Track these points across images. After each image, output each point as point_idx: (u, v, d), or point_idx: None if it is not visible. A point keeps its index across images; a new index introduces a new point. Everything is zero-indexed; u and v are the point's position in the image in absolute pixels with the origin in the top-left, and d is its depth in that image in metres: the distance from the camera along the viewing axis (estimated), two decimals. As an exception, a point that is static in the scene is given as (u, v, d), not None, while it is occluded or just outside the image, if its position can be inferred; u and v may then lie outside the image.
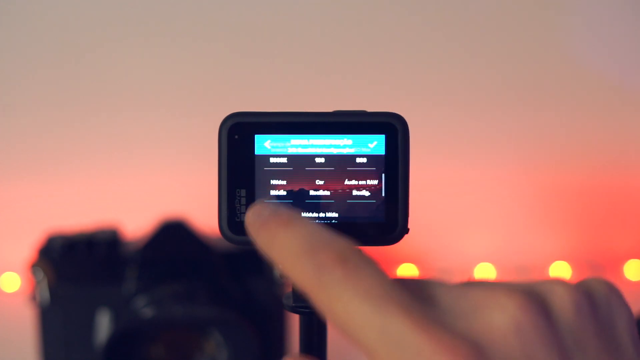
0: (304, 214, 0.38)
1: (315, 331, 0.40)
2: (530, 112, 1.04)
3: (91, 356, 0.72)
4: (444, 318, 0.25)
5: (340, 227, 0.38)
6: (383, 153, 0.38)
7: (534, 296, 0.26)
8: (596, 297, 0.27)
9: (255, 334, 0.67)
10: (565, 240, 1.06)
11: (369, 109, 0.39)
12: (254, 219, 0.29)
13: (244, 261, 0.75)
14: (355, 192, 0.38)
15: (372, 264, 0.26)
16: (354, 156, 0.38)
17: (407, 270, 1.02)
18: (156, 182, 1.01)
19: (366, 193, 0.38)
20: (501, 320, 0.25)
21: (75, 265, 0.73)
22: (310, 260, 0.26)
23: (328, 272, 0.26)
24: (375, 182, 0.38)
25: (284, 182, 0.38)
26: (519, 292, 0.26)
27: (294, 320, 0.51)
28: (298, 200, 0.38)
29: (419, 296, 0.26)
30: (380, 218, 0.38)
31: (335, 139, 0.38)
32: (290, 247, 0.27)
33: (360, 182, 0.38)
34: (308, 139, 0.38)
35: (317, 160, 0.38)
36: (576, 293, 0.26)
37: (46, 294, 0.73)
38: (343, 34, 1.03)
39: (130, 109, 1.02)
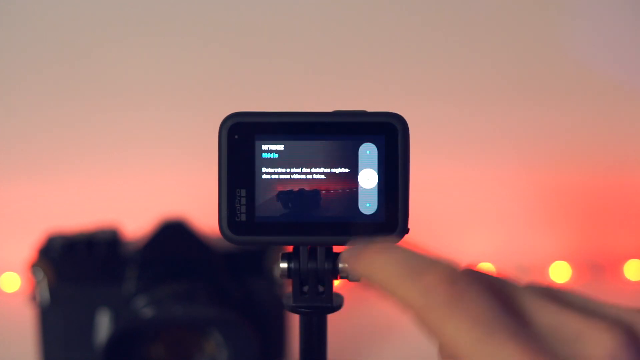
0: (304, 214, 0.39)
1: (315, 331, 0.40)
2: (530, 112, 1.04)
3: (91, 356, 0.72)
4: (548, 346, 0.26)
5: (340, 227, 0.38)
6: (383, 153, 0.38)
7: (632, 332, 0.27)
8: None
9: (255, 334, 0.66)
10: (565, 240, 1.06)
11: (369, 109, 0.39)
12: (349, 253, 0.29)
13: (244, 261, 0.75)
14: (355, 192, 0.38)
15: (478, 287, 0.27)
16: (354, 156, 0.38)
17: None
18: (156, 182, 1.01)
19: (366, 193, 0.38)
20: (601, 355, 0.26)
21: (75, 265, 0.73)
22: (417, 282, 0.27)
23: (436, 294, 0.26)
24: (375, 182, 0.38)
25: (284, 182, 0.38)
26: (619, 328, 0.27)
27: (294, 320, 0.51)
28: (298, 200, 0.38)
29: (521, 317, 0.27)
30: (380, 218, 0.38)
31: (335, 139, 0.38)
32: (394, 270, 0.27)
33: (360, 183, 0.38)
34: (308, 139, 0.38)
35: (317, 160, 0.38)
36: None
37: (46, 294, 0.73)
38: (343, 34, 1.03)
39: (130, 109, 1.02)
